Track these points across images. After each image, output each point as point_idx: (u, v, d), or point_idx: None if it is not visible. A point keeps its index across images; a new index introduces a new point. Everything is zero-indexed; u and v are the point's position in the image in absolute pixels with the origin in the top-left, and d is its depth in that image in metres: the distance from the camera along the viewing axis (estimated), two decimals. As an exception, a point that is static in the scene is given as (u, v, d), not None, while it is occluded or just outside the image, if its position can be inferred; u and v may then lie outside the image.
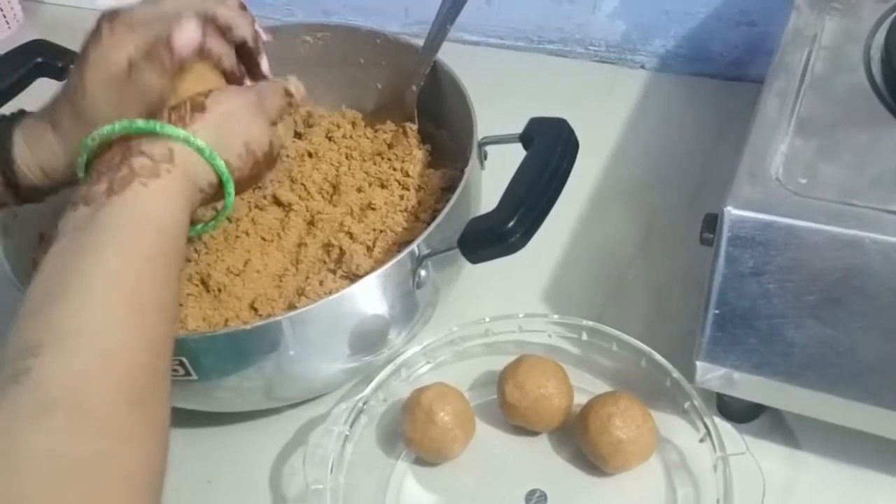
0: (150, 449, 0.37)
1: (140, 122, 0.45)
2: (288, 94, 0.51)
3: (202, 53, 0.49)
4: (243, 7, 0.52)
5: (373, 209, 0.64)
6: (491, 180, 0.60)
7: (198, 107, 0.46)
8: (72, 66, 0.49)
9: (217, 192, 0.47)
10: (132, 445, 0.36)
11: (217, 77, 0.51)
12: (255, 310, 0.59)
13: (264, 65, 0.54)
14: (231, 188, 0.47)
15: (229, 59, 0.51)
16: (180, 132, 0.45)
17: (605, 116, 0.80)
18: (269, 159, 0.50)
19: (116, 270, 0.39)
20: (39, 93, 0.71)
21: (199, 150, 0.45)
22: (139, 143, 0.44)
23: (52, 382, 0.35)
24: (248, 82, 0.54)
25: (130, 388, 0.37)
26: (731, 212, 0.46)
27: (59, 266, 0.40)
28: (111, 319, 0.38)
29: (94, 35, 0.48)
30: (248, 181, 0.50)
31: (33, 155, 0.49)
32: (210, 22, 0.49)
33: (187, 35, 0.47)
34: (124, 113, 0.46)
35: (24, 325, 0.37)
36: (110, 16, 0.48)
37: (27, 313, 0.38)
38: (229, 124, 0.47)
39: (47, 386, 0.35)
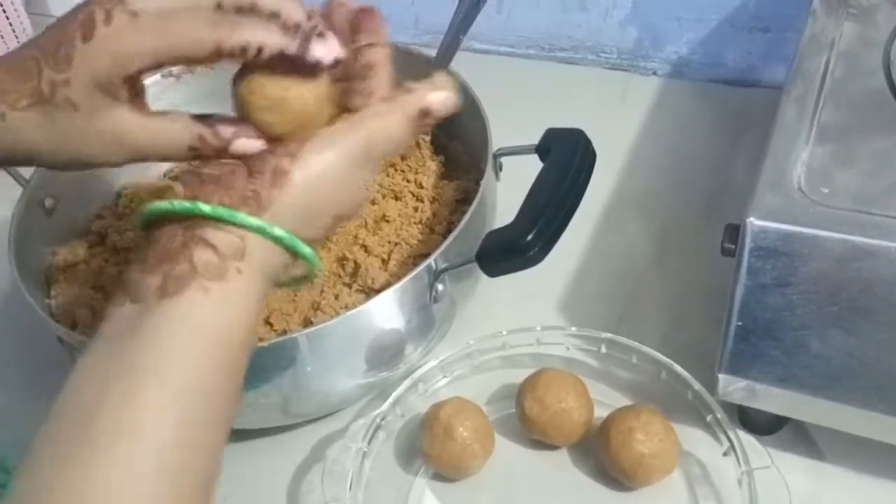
0: None
1: (205, 209, 0.35)
2: (424, 115, 0.39)
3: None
4: None
5: (387, 221, 0.64)
6: (505, 192, 0.60)
7: (281, 177, 0.36)
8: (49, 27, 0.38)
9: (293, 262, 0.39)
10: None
11: (284, 82, 0.37)
12: (271, 325, 0.58)
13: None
14: (317, 263, 0.38)
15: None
16: (253, 222, 0.35)
17: (618, 124, 0.80)
18: (352, 216, 0.41)
19: (152, 416, 0.32)
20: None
21: (277, 240, 0.36)
22: (204, 228, 0.35)
23: None
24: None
25: None
26: (754, 223, 0.46)
27: (89, 396, 0.32)
28: (136, 479, 0.31)
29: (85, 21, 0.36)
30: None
31: None
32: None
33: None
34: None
35: (41, 475, 0.31)
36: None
37: (48, 457, 0.31)
38: (319, 195, 0.37)
39: None
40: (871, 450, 0.51)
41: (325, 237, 0.41)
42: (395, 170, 0.68)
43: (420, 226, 0.63)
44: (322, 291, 0.60)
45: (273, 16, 0.37)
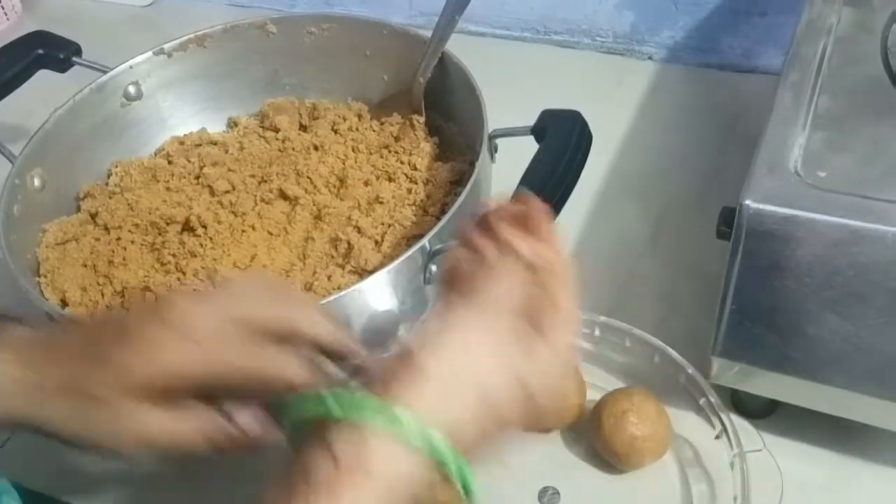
0: None
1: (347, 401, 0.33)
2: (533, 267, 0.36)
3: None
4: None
5: (380, 203, 0.63)
6: (500, 173, 0.59)
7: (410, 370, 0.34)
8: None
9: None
10: None
11: None
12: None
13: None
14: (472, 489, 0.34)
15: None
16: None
17: (613, 108, 0.79)
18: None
19: None
20: (40, 85, 0.71)
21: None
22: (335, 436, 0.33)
23: None
24: None
25: None
26: (750, 205, 0.45)
27: None
28: None
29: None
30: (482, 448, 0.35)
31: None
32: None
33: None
34: None
35: None
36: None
37: None
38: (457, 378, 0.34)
39: None
40: (864, 434, 0.51)
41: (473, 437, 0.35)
42: (390, 151, 0.67)
43: (414, 207, 0.63)
44: (315, 272, 0.60)
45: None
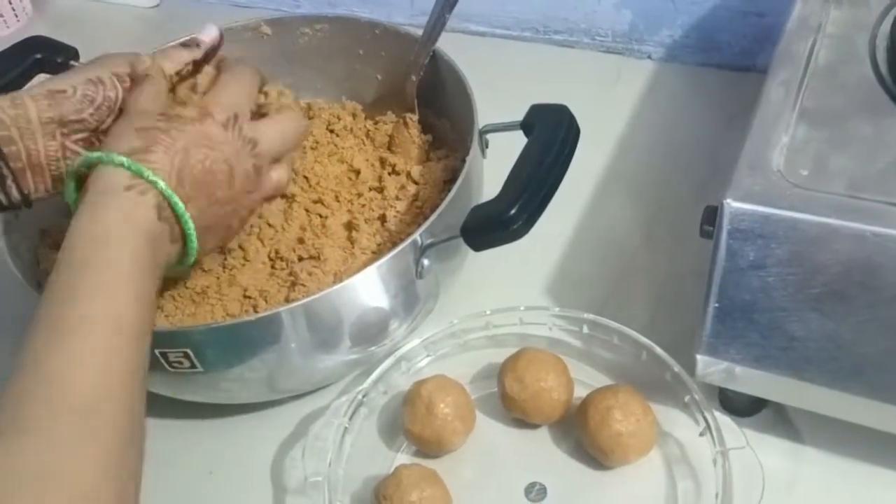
0: (107, 458, 0.37)
1: (117, 159, 0.45)
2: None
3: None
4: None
5: (374, 201, 0.64)
6: (494, 169, 0.60)
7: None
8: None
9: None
10: (84, 457, 0.36)
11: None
12: (256, 300, 0.59)
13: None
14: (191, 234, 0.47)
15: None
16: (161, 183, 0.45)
17: (611, 107, 0.80)
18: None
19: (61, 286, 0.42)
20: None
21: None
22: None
23: None
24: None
25: (79, 397, 0.38)
26: (731, 204, 0.46)
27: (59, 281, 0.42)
28: (54, 337, 0.39)
29: None
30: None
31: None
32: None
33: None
34: (127, 58, 0.51)
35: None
36: None
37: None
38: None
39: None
40: (850, 433, 0.51)
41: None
42: (384, 149, 0.68)
43: (408, 205, 0.63)
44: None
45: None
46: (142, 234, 0.44)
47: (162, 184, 0.45)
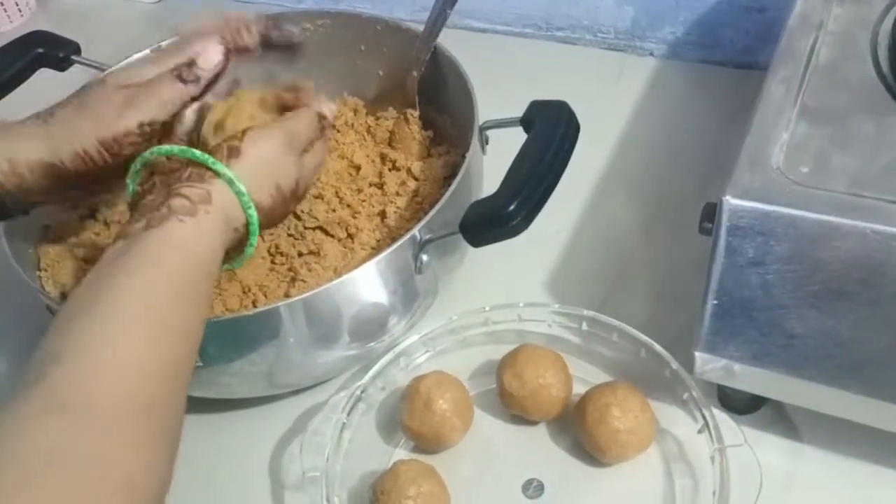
0: (157, 454, 0.37)
1: (196, 152, 0.46)
2: (322, 118, 0.53)
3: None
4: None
5: (375, 196, 0.64)
6: (494, 165, 0.60)
7: (234, 152, 0.47)
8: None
9: (244, 235, 0.48)
10: (139, 449, 0.36)
11: (254, 106, 0.52)
12: (255, 295, 0.59)
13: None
14: (255, 235, 0.48)
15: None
16: (228, 173, 0.46)
17: (612, 104, 0.80)
18: (296, 197, 0.51)
19: (143, 288, 0.41)
20: (40, 84, 0.72)
21: (239, 194, 0.46)
22: (179, 187, 0.45)
23: (64, 386, 0.36)
24: None
25: (142, 395, 0.37)
26: (730, 201, 0.46)
27: (93, 285, 0.41)
28: (132, 330, 0.39)
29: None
30: (275, 219, 0.51)
31: (5, 143, 0.49)
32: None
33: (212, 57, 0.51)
34: (132, 112, 0.48)
35: (52, 335, 0.39)
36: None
37: (57, 323, 0.39)
38: (263, 167, 0.48)
39: (59, 389, 0.36)
40: (849, 431, 0.51)
41: (273, 210, 0.49)
42: (384, 145, 0.68)
43: (408, 201, 0.63)
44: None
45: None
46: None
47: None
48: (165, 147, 0.48)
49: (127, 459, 0.35)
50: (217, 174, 0.46)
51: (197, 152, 0.46)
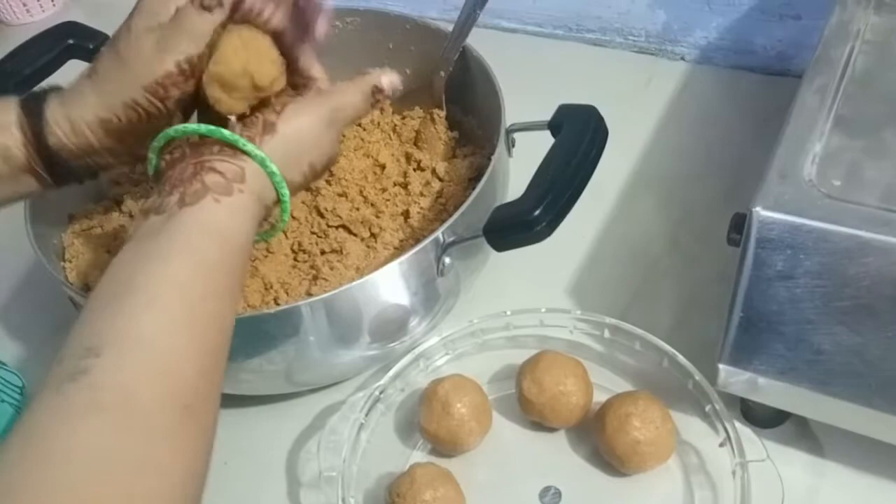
0: (195, 456, 0.37)
1: (226, 133, 0.45)
2: (377, 91, 0.49)
3: (250, 15, 0.47)
4: None
5: (399, 196, 0.64)
6: (520, 168, 0.59)
7: (269, 127, 0.46)
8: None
9: (272, 210, 0.48)
10: (178, 451, 0.36)
11: (266, 43, 0.48)
12: (277, 293, 0.59)
13: (320, 27, 0.50)
14: (288, 210, 0.47)
15: (277, 19, 0.48)
16: (260, 153, 0.45)
17: (641, 108, 0.79)
18: (325, 170, 0.50)
19: (181, 278, 0.39)
20: (70, 75, 0.72)
21: (271, 175, 0.45)
22: (211, 160, 0.44)
23: (107, 384, 0.35)
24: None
25: (183, 395, 0.37)
26: (760, 212, 0.45)
27: (127, 269, 0.40)
28: (171, 325, 0.38)
29: None
30: (300, 189, 0.50)
31: (64, 107, 0.47)
32: None
33: None
34: (165, 54, 0.45)
35: (87, 323, 0.37)
36: None
37: (91, 311, 0.38)
38: (298, 145, 0.47)
39: (102, 387, 0.35)
40: (872, 448, 0.50)
41: (302, 185, 0.49)
42: (410, 145, 0.68)
43: (432, 201, 0.63)
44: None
45: None
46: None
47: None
48: (192, 126, 0.46)
49: (168, 458, 0.35)
50: (248, 154, 0.45)
51: (227, 133, 0.45)
